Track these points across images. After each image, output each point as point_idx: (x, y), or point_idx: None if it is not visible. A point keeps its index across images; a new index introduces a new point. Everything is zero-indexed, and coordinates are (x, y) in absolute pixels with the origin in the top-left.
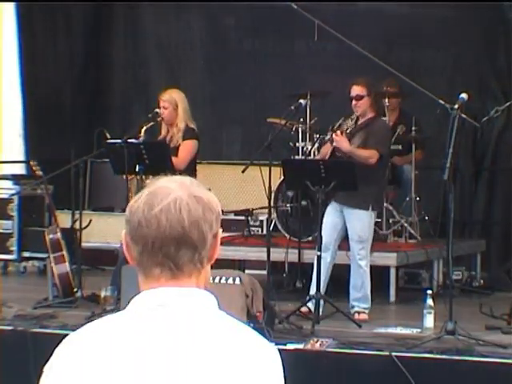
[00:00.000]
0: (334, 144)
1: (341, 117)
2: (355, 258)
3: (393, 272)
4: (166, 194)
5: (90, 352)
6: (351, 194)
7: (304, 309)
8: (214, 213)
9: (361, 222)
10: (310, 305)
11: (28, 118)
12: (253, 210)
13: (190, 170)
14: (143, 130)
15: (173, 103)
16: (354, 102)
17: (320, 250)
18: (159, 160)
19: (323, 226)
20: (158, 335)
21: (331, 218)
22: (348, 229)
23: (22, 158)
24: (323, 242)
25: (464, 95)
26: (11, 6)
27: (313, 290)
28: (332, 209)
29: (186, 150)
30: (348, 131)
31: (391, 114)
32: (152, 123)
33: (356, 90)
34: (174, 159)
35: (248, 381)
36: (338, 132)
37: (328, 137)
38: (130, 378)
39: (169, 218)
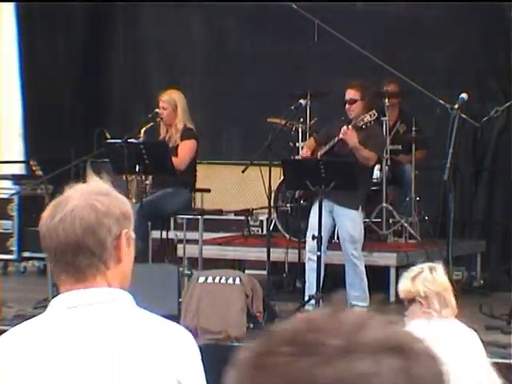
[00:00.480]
0: (341, 136)
1: (341, 117)
2: (350, 258)
3: (393, 272)
4: (66, 203)
5: (12, 354)
6: (344, 193)
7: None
8: (111, 217)
9: (353, 221)
10: (311, 308)
11: (28, 118)
12: (253, 209)
13: (190, 170)
14: (142, 131)
15: (172, 104)
16: (347, 105)
17: (320, 250)
18: (159, 160)
19: (313, 226)
20: (72, 334)
21: (322, 219)
22: (339, 229)
23: (21, 158)
24: (314, 243)
25: (464, 95)
26: (11, 6)
27: (309, 291)
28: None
29: (185, 150)
30: (364, 127)
31: (391, 114)
32: (151, 124)
33: (350, 94)
34: (174, 159)
35: (169, 362)
36: (350, 126)
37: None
38: (50, 376)
39: (65, 227)
